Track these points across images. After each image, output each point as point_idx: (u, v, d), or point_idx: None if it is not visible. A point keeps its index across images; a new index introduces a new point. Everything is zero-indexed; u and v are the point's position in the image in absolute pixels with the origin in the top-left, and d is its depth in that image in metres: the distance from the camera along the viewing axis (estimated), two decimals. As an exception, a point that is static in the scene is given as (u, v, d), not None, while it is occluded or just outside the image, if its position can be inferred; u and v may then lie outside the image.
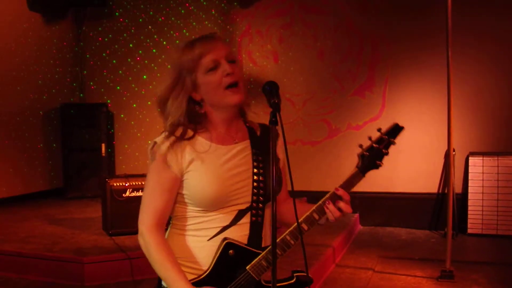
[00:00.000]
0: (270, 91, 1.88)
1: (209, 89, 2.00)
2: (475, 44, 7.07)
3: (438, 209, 7.17)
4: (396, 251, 6.34)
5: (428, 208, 7.27)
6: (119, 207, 5.53)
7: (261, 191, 2.04)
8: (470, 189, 6.90)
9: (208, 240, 2.00)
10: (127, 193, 5.56)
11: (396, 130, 2.08)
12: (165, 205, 2.02)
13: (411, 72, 7.47)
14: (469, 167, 6.93)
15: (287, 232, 1.98)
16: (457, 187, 7.00)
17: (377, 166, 2.09)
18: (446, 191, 6.91)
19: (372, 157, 2.07)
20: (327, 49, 7.95)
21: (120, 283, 4.79)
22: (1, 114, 7.88)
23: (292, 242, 1.98)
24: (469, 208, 6.88)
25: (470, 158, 6.95)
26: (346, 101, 7.86)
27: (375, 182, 7.21)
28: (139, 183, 5.64)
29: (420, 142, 7.19)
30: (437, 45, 6.65)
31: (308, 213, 2.00)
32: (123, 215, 5.51)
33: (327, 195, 2.04)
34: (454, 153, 6.59)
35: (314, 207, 2.02)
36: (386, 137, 2.07)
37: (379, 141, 2.07)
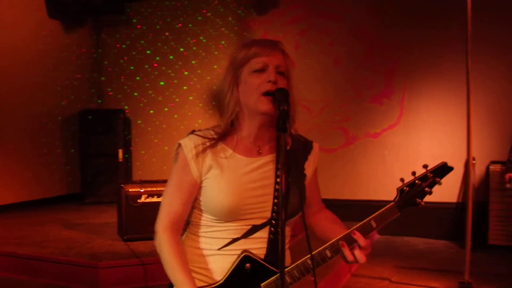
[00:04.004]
0: (280, 98, 1.85)
1: (247, 88, 1.95)
2: (494, 53, 6.98)
3: (458, 219, 7.07)
4: (413, 261, 6.25)
5: (447, 217, 7.17)
6: (134, 212, 5.53)
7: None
8: (491, 199, 6.78)
9: (218, 249, 1.97)
10: (142, 199, 5.56)
11: (444, 170, 1.99)
12: (183, 207, 1.99)
13: (430, 79, 7.40)
14: (490, 176, 6.82)
15: (308, 256, 1.90)
16: (478, 197, 6.89)
17: (416, 204, 1.98)
18: (466, 200, 6.82)
19: (412, 194, 1.98)
20: (344, 56, 7.91)
21: (133, 289, 4.78)
22: (21, 119, 7.96)
23: (312, 267, 1.90)
24: (490, 218, 6.76)
25: (491, 166, 6.85)
26: (363, 108, 7.80)
27: (393, 190, 7.14)
28: (154, 189, 5.64)
29: (440, 150, 7.11)
30: (456, 53, 6.59)
31: (320, 249, 1.92)
32: (138, 221, 5.51)
33: (342, 235, 1.93)
34: (474, 161, 6.50)
35: (327, 244, 1.92)
36: (432, 175, 1.98)
37: (422, 178, 1.98)
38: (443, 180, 2.01)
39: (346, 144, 7.88)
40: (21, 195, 7.96)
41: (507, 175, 6.28)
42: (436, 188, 2.03)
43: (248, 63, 1.96)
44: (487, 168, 6.90)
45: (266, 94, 1.91)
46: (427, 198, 2.02)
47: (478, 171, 6.94)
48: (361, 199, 7.58)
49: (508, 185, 6.20)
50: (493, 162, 6.87)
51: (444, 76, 7.28)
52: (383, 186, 7.39)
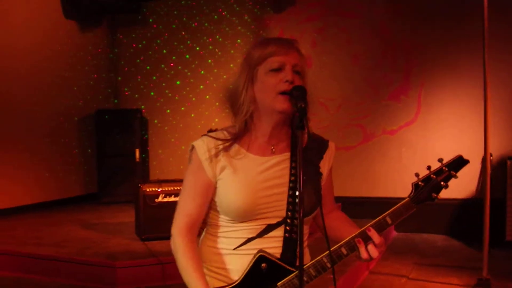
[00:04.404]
0: (297, 95, 1.84)
1: (263, 87, 1.94)
2: (510, 50, 6.92)
3: (475, 215, 6.98)
4: (431, 258, 6.21)
5: (465, 214, 7.12)
6: (151, 212, 5.55)
7: (297, 207, 1.93)
8: (508, 195, 6.71)
9: (234, 249, 1.97)
10: (160, 199, 5.58)
11: (459, 163, 1.97)
12: (198, 209, 1.99)
13: (447, 76, 7.35)
14: (508, 172, 6.75)
15: (324, 254, 1.89)
16: (496, 193, 6.80)
17: (432, 199, 1.97)
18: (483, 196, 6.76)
19: (428, 188, 1.96)
20: (361, 54, 7.88)
21: (151, 288, 4.80)
22: (37, 120, 8.03)
23: (329, 265, 1.89)
24: (508, 214, 6.70)
25: (508, 162, 6.77)
26: (380, 105, 7.76)
27: (410, 187, 7.10)
28: (172, 189, 5.65)
29: (457, 146, 7.04)
30: (473, 50, 6.53)
31: (336, 246, 1.91)
32: (155, 220, 5.52)
33: (357, 232, 1.92)
34: (491, 157, 6.44)
35: (343, 242, 1.91)
36: (447, 169, 1.96)
37: (438, 172, 1.96)
38: (461, 176, 1.99)
39: (364, 141, 7.85)
40: (38, 196, 8.03)
41: None
42: (453, 185, 2.00)
43: (264, 62, 1.94)
44: (505, 164, 6.83)
45: (283, 93, 1.90)
46: (445, 195, 2.00)
47: (495, 167, 6.87)
48: (379, 196, 7.55)
49: None
50: (510, 158, 6.79)
51: (461, 73, 7.23)
52: (401, 183, 7.34)
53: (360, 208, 6.87)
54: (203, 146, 1.98)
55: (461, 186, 6.97)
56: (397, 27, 7.65)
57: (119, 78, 9.68)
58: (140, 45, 9.48)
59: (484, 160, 5.22)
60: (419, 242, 6.96)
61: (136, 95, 9.54)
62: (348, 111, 7.95)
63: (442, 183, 1.96)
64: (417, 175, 1.98)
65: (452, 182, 1.98)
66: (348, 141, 7.85)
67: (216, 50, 8.96)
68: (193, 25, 9.11)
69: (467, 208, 7.08)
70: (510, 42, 6.92)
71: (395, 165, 7.63)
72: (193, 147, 2.01)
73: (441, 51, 7.38)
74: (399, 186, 7.33)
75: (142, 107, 9.36)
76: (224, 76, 8.86)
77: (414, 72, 7.56)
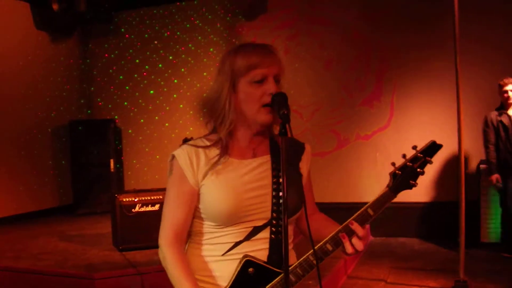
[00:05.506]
0: (279, 102, 1.85)
1: (247, 99, 1.94)
2: (482, 52, 7.05)
3: (451, 218, 7.10)
4: (408, 261, 6.28)
5: (441, 217, 7.20)
6: (128, 222, 5.49)
7: (281, 208, 1.92)
8: (482, 197, 6.83)
9: (222, 255, 1.96)
10: (137, 208, 5.54)
11: (433, 148, 2.01)
12: (184, 218, 1.98)
13: (419, 80, 7.46)
14: (481, 175, 6.86)
15: (309, 252, 1.90)
16: (470, 195, 6.92)
17: (410, 186, 2.00)
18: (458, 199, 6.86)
19: (405, 176, 1.99)
20: (334, 60, 7.95)
21: (131, 299, 4.76)
22: (10, 132, 7.92)
23: (315, 262, 1.90)
24: (482, 216, 6.81)
25: (481, 165, 6.89)
26: (354, 111, 7.84)
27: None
28: (148, 198, 5.61)
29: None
30: (445, 54, 6.64)
31: (321, 243, 1.92)
32: (133, 231, 5.47)
33: (341, 227, 1.94)
34: (465, 161, 6.55)
35: (328, 238, 1.93)
36: (422, 155, 2.00)
37: (413, 159, 2.00)
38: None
39: (338, 147, 7.91)
40: (12, 209, 7.90)
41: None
42: (428, 188, 2.04)
43: (247, 74, 1.94)
44: (478, 167, 6.94)
45: (266, 105, 1.92)
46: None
47: (469, 170, 6.98)
48: (355, 202, 7.59)
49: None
50: (483, 161, 6.91)
51: (434, 76, 7.35)
52: (376, 188, 7.40)
53: (336, 213, 6.92)
54: (184, 155, 1.98)
55: (436, 189, 7.07)
56: (369, 32, 7.75)
57: (92, 88, 9.61)
58: (112, 55, 9.43)
59: (458, 163, 5.30)
60: (396, 246, 7.02)
61: (110, 105, 9.48)
62: (322, 117, 8.01)
63: (418, 169, 2.00)
64: (393, 164, 2.02)
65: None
66: (323, 147, 7.90)
67: (189, 58, 8.96)
68: (165, 34, 9.10)
69: (443, 210, 7.16)
70: (481, 44, 7.05)
71: (370, 170, 7.70)
72: (173, 156, 2.00)
73: (413, 55, 7.49)
74: (375, 191, 7.38)
75: (116, 117, 9.31)
76: (198, 85, 8.86)
77: (386, 77, 7.66)
